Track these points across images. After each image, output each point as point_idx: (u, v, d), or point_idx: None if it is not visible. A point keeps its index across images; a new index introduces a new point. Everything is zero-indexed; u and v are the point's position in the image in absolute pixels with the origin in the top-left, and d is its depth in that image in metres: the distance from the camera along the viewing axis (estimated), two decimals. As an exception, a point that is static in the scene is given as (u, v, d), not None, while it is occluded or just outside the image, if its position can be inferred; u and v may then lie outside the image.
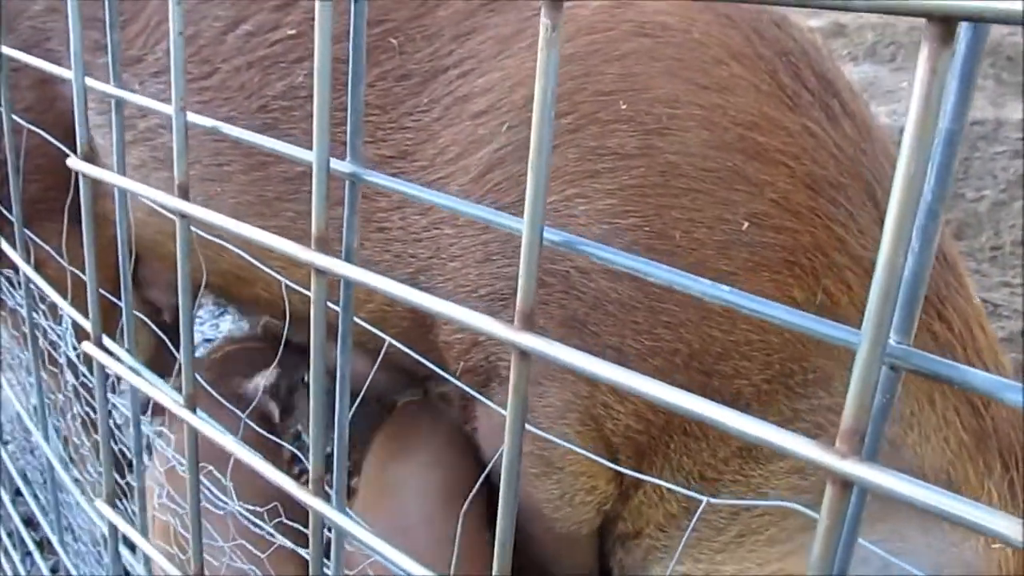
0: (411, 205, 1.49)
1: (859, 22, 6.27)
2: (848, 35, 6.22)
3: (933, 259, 0.41)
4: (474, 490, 1.34)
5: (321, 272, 0.61)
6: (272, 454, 1.39)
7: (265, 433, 1.40)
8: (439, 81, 1.48)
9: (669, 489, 1.41)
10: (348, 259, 0.64)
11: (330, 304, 0.66)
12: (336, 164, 0.63)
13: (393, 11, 1.50)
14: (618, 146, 1.33)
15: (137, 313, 1.03)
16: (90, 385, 1.50)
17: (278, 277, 1.35)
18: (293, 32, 1.55)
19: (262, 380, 1.79)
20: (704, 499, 0.97)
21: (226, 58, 1.60)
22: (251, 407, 1.53)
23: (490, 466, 1.33)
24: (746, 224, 1.28)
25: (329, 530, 0.72)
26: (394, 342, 1.22)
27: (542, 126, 0.47)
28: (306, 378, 1.97)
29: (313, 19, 1.55)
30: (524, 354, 0.50)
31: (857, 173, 1.32)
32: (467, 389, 1.33)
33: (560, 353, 0.48)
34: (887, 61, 5.92)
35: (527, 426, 1.40)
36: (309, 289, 1.39)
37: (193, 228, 0.80)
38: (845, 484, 0.39)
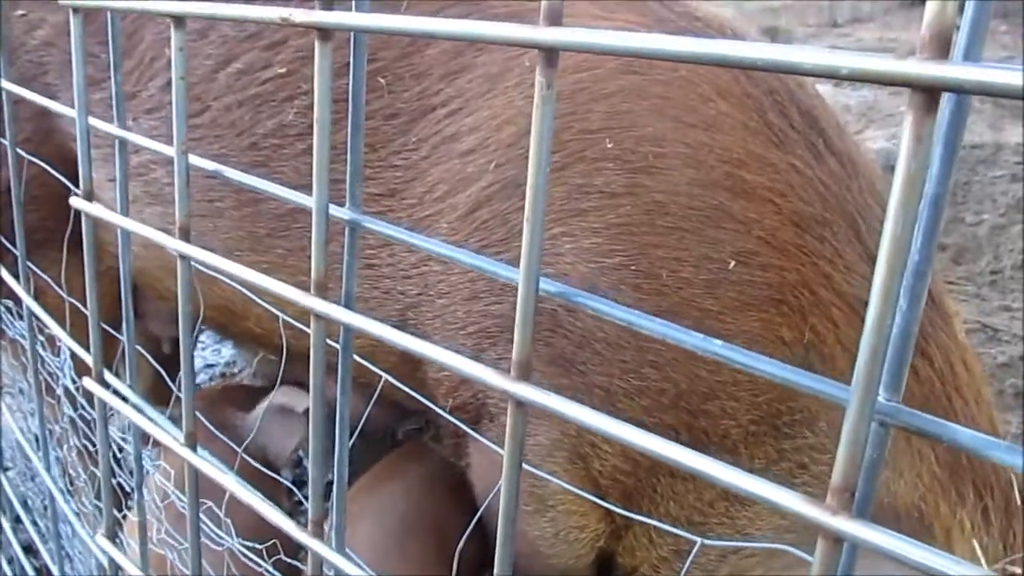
0: (396, 245, 1.50)
1: (858, 46, 6.30)
2: (846, 59, 6.25)
3: (920, 317, 0.42)
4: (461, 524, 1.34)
5: (320, 317, 0.62)
6: (267, 486, 1.39)
7: (260, 467, 1.41)
8: (427, 120, 1.49)
9: (659, 533, 1.41)
10: (348, 305, 0.65)
11: (328, 341, 0.67)
12: (336, 211, 0.64)
13: (382, 50, 1.51)
14: (604, 184, 1.33)
15: (136, 346, 1.03)
16: (88, 417, 1.51)
17: (273, 311, 1.35)
18: (283, 71, 1.57)
19: (274, 402, 1.80)
20: (698, 540, 0.97)
21: (217, 96, 1.62)
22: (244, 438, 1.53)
23: (485, 504, 1.33)
24: (733, 263, 1.28)
25: (328, 570, 0.73)
26: (389, 379, 1.22)
27: (537, 178, 0.48)
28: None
29: (303, 58, 1.57)
30: (520, 404, 0.51)
31: (843, 210, 1.33)
32: (458, 423, 1.33)
33: (556, 404, 0.49)
34: (886, 85, 5.94)
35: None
36: (301, 325, 1.39)
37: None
38: (837, 540, 0.40)
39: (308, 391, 0.76)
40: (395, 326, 0.58)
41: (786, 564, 1.37)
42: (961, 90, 0.34)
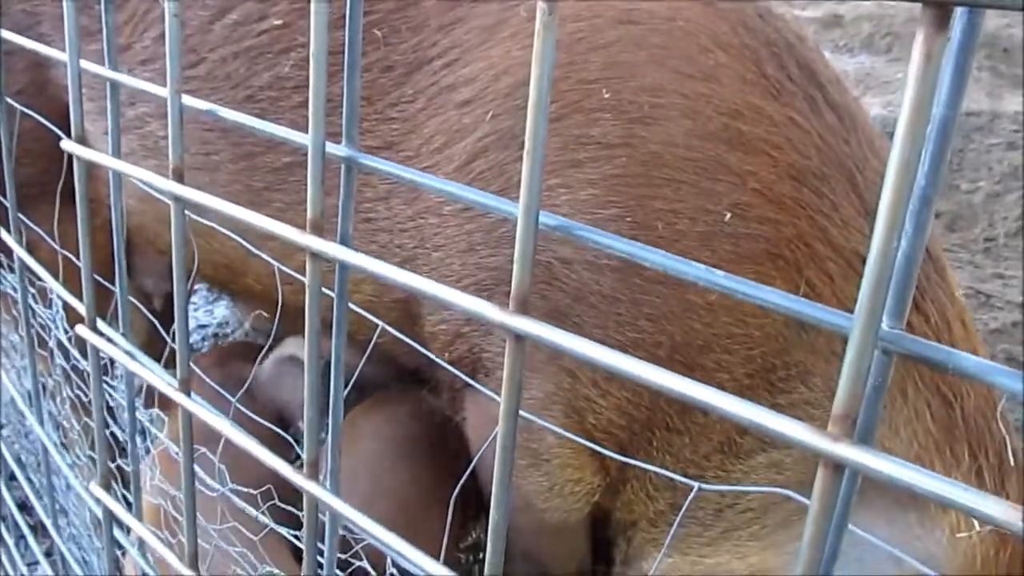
0: (397, 195, 1.49)
1: (855, 13, 6.27)
2: (844, 26, 6.21)
3: (925, 245, 0.41)
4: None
5: (316, 256, 0.61)
6: (276, 441, 1.39)
7: (271, 426, 1.41)
8: (423, 72, 1.48)
9: (656, 487, 1.42)
10: (344, 243, 0.64)
11: (324, 290, 0.66)
12: (332, 148, 0.63)
13: (378, 2, 1.50)
14: (601, 135, 1.32)
15: (131, 299, 1.03)
16: (81, 368, 1.50)
17: (271, 262, 1.35)
18: (279, 23, 1.55)
19: (277, 355, 1.80)
20: (695, 485, 0.98)
21: (213, 48, 1.60)
22: (240, 390, 1.53)
23: (479, 453, 1.33)
24: (729, 215, 1.28)
25: (323, 513, 0.73)
26: (387, 327, 1.22)
27: (538, 110, 0.47)
28: None
29: (299, 10, 1.56)
30: (519, 338, 0.50)
31: (840, 164, 1.32)
32: (458, 373, 1.33)
33: (554, 337, 0.49)
34: (883, 52, 5.92)
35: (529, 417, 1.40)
36: (302, 277, 1.38)
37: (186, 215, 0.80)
38: (837, 467, 0.40)
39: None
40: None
41: (779, 522, 1.38)
42: (975, 4, 0.33)
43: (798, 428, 0.40)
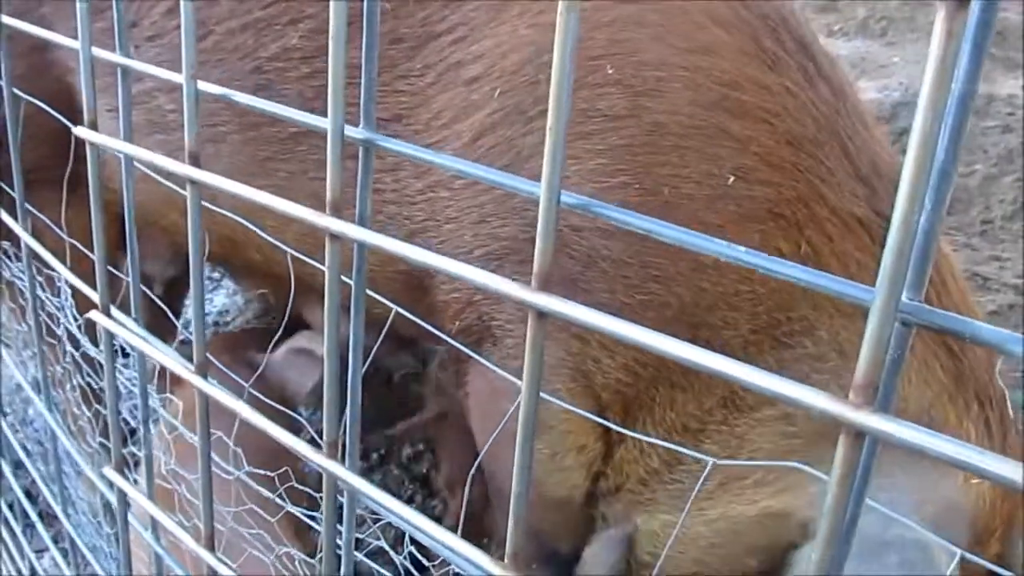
0: (405, 168, 1.51)
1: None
2: (840, 10, 6.21)
3: (944, 218, 0.42)
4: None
5: (335, 237, 0.62)
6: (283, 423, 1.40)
7: (280, 408, 1.42)
8: (432, 47, 1.50)
9: (650, 443, 1.44)
10: (362, 224, 0.65)
11: (317, 264, 0.67)
12: (350, 131, 0.64)
13: None
14: (608, 108, 1.37)
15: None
16: (91, 355, 1.51)
17: (270, 240, 1.36)
18: None
19: (289, 346, 1.81)
20: (710, 460, 0.99)
21: (220, 20, 1.61)
22: (252, 374, 1.53)
23: (499, 429, 1.34)
24: (732, 178, 1.34)
25: (342, 493, 0.74)
26: (397, 308, 1.23)
27: (560, 89, 0.48)
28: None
29: None
30: (542, 315, 0.51)
31: (834, 131, 1.38)
32: (463, 349, 1.35)
33: (577, 313, 0.50)
34: (878, 36, 5.92)
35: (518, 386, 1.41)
36: (302, 249, 1.39)
37: (184, 192, 0.80)
38: (858, 435, 0.41)
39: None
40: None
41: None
42: (996, -19, 0.34)
43: (819, 397, 0.41)
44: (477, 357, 1.38)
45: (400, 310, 1.24)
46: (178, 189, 1.29)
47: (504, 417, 1.48)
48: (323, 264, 0.65)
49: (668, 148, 1.35)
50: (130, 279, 0.95)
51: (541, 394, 1.34)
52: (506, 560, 0.58)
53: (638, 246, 1.36)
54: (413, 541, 0.80)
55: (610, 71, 1.37)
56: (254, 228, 1.39)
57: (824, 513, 0.43)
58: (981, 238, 4.17)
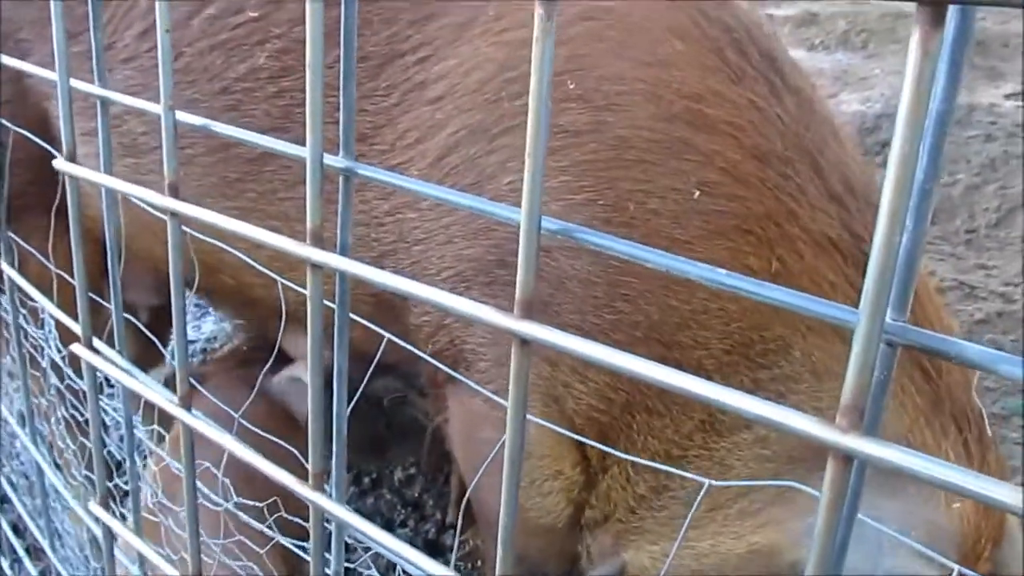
0: (371, 189, 1.51)
1: (830, 10, 6.31)
2: (820, 23, 6.26)
3: (926, 237, 0.42)
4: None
5: (317, 267, 0.62)
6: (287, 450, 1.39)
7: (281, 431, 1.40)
8: (396, 66, 1.51)
9: (636, 470, 1.43)
10: (343, 253, 0.65)
11: (297, 288, 0.66)
12: (330, 160, 0.63)
13: None
14: (569, 124, 1.37)
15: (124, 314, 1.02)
16: (75, 387, 1.49)
17: (246, 261, 1.35)
18: (255, 15, 1.57)
19: (287, 374, 1.80)
20: (706, 482, 0.98)
21: (191, 42, 1.62)
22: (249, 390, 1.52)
23: (488, 461, 1.33)
24: (697, 193, 1.32)
25: (329, 523, 0.73)
26: (386, 333, 1.22)
27: (538, 115, 0.48)
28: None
29: (275, 1, 1.56)
30: (525, 343, 0.51)
31: (802, 147, 1.37)
32: (442, 367, 1.34)
33: (559, 340, 0.49)
34: (859, 48, 5.96)
35: (496, 412, 1.40)
36: (275, 271, 1.38)
37: (156, 215, 0.80)
38: (847, 459, 0.40)
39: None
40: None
41: (770, 498, 1.38)
42: (968, 1, 0.34)
43: (806, 422, 0.41)
44: (459, 376, 1.37)
45: (389, 335, 1.23)
46: (158, 214, 1.28)
47: (483, 445, 1.47)
48: (302, 289, 0.65)
49: (631, 162, 1.34)
50: (113, 310, 0.94)
51: (536, 419, 1.33)
52: (496, 591, 0.58)
53: (606, 264, 1.35)
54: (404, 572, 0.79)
55: (571, 86, 1.37)
56: (229, 249, 1.38)
57: (816, 536, 0.43)
58: (966, 247, 4.19)
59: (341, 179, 0.65)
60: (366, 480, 2.41)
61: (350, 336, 1.31)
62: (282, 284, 1.27)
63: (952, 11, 0.39)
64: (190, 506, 0.85)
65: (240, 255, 1.36)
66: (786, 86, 1.39)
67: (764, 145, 1.34)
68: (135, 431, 1.10)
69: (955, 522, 1.31)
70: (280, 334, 1.59)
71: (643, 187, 1.33)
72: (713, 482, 1.02)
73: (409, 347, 1.36)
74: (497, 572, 0.58)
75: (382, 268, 1.52)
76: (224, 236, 1.42)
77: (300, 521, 1.22)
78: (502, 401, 1.37)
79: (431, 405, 1.76)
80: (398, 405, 2.06)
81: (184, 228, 1.46)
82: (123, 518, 1.07)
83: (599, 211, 1.33)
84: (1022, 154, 4.68)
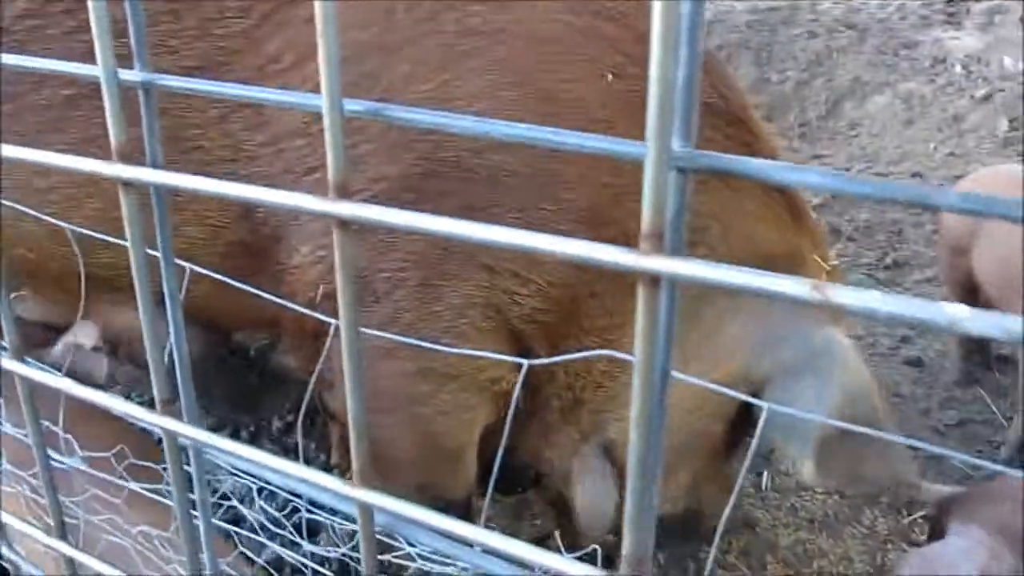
0: (235, 120, 1.46)
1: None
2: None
3: (702, 64, 0.44)
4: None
5: (129, 184, 0.60)
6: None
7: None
8: None
9: (597, 345, 1.48)
10: (155, 166, 0.63)
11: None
12: (126, 74, 0.61)
13: None
14: (481, 24, 1.38)
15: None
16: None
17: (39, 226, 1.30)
18: None
19: (66, 341, 1.73)
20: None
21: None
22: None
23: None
24: (610, 76, 1.39)
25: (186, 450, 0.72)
26: (280, 300, 1.20)
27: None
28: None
29: None
30: (345, 224, 0.51)
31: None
32: (320, 316, 1.32)
33: (381, 215, 0.50)
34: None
35: (418, 342, 1.39)
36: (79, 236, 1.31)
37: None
38: (653, 280, 0.42)
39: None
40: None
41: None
42: None
43: (611, 251, 0.43)
44: (328, 319, 1.34)
45: (284, 301, 1.21)
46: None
47: (379, 379, 1.46)
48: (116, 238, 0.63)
49: (550, 54, 1.40)
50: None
51: (440, 348, 1.34)
52: (355, 479, 0.59)
53: (537, 153, 1.37)
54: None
55: None
56: (37, 215, 1.32)
57: (635, 367, 0.45)
58: (801, 140, 4.39)
59: (141, 93, 0.63)
60: (244, 434, 2.38)
61: (206, 299, 1.27)
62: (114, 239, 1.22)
63: None
64: (42, 463, 0.83)
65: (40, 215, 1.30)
66: None
67: (642, 26, 1.42)
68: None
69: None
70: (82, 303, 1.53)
71: (566, 76, 1.40)
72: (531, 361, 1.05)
73: (272, 298, 1.34)
74: (354, 462, 0.59)
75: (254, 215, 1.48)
76: (36, 201, 1.35)
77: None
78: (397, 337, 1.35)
79: (310, 356, 1.72)
80: (265, 353, 2.03)
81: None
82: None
83: (532, 104, 1.37)
84: (843, 47, 4.91)
